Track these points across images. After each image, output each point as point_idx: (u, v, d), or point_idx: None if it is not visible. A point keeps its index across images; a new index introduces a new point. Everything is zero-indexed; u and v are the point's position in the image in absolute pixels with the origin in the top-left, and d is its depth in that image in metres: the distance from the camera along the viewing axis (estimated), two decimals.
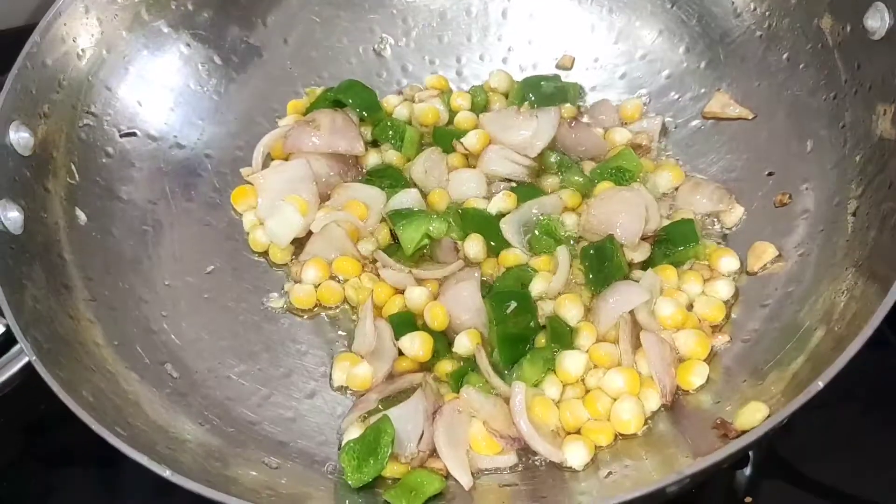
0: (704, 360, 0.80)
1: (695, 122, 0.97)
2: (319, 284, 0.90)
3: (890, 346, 0.91)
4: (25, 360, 0.70)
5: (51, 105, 0.87)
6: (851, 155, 0.81)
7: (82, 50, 0.91)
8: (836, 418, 0.87)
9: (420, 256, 0.91)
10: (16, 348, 0.72)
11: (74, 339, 0.78)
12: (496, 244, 0.89)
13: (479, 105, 1.01)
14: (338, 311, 0.90)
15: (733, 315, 0.83)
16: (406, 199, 0.92)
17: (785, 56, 0.90)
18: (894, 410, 0.89)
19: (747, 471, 0.88)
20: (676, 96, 0.99)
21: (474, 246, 0.88)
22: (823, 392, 0.77)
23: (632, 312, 0.81)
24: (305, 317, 0.90)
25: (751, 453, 0.88)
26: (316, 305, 0.90)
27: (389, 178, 0.95)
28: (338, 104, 0.99)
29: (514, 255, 0.88)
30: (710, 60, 0.97)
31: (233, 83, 1.03)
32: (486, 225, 0.89)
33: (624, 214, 0.86)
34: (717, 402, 0.77)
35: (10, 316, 0.69)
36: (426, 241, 0.90)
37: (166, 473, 0.61)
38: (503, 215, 0.90)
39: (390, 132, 0.98)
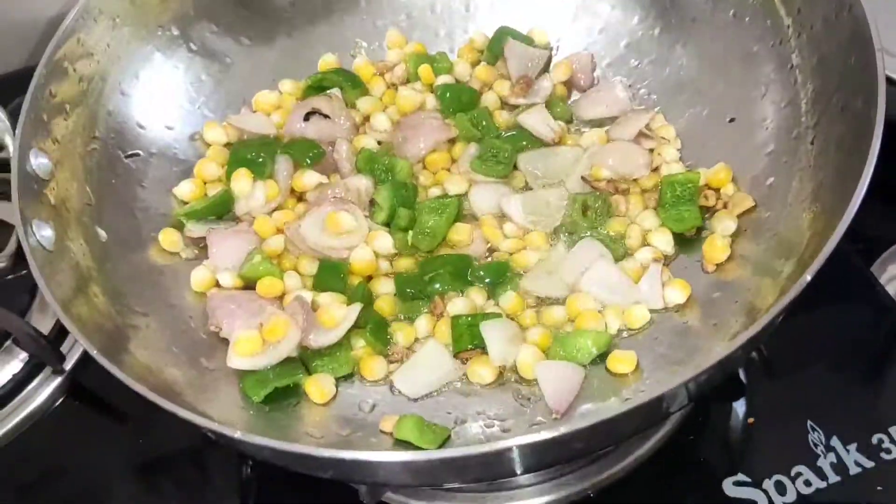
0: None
1: (656, 84, 1.04)
2: None
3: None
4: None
5: (62, 132, 0.92)
6: (802, 91, 0.89)
7: (83, 79, 0.96)
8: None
9: None
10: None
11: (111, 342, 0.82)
12: None
13: (443, 70, 1.09)
14: None
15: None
16: None
17: (731, 13, 0.97)
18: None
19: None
20: (636, 62, 1.06)
21: None
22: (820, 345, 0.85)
23: None
24: None
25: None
26: None
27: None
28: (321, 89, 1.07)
29: None
30: (664, 26, 1.04)
31: (222, 98, 1.08)
32: None
33: None
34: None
35: (66, 319, 0.74)
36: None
37: (237, 435, 0.65)
38: None
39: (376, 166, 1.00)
